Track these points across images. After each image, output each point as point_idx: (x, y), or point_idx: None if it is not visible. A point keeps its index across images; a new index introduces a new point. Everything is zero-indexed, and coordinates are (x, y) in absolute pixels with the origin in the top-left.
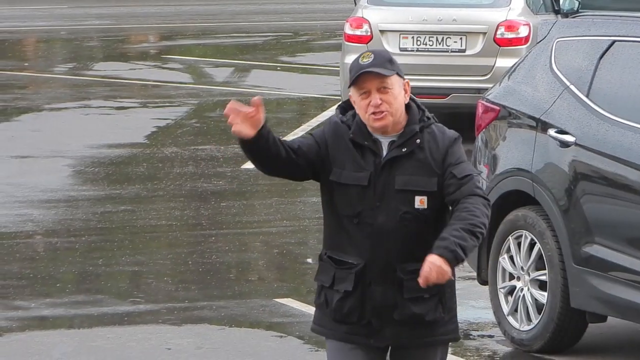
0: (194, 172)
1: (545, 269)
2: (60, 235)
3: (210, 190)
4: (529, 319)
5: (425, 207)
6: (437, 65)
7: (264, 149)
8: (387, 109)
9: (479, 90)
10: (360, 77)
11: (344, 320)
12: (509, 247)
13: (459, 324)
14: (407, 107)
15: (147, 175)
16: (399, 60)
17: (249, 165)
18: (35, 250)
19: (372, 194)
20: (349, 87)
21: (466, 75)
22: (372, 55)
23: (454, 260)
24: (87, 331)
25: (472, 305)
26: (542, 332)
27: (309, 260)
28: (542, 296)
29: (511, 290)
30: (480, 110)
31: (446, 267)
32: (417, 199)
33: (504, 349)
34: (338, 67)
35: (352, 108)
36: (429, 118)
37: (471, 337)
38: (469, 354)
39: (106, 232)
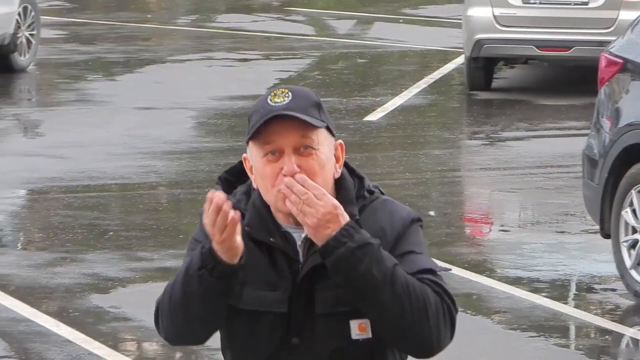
0: None
1: None
2: (184, 187)
3: None
4: None
5: (369, 335)
6: (560, 18)
7: (227, 295)
8: None
9: (602, 43)
10: (267, 125)
11: None
12: (631, 200)
13: (582, 278)
14: (338, 180)
15: None
16: (522, 13)
17: (371, 117)
18: (159, 201)
19: (288, 326)
20: (248, 141)
21: (589, 28)
22: (290, 94)
23: (342, 237)
24: None
25: (594, 259)
26: None
27: (432, 213)
28: None
29: (634, 244)
30: (603, 63)
31: (332, 222)
32: (354, 324)
33: (627, 302)
34: (461, 19)
35: (244, 179)
36: (371, 192)
37: (594, 290)
38: (592, 307)
39: None
